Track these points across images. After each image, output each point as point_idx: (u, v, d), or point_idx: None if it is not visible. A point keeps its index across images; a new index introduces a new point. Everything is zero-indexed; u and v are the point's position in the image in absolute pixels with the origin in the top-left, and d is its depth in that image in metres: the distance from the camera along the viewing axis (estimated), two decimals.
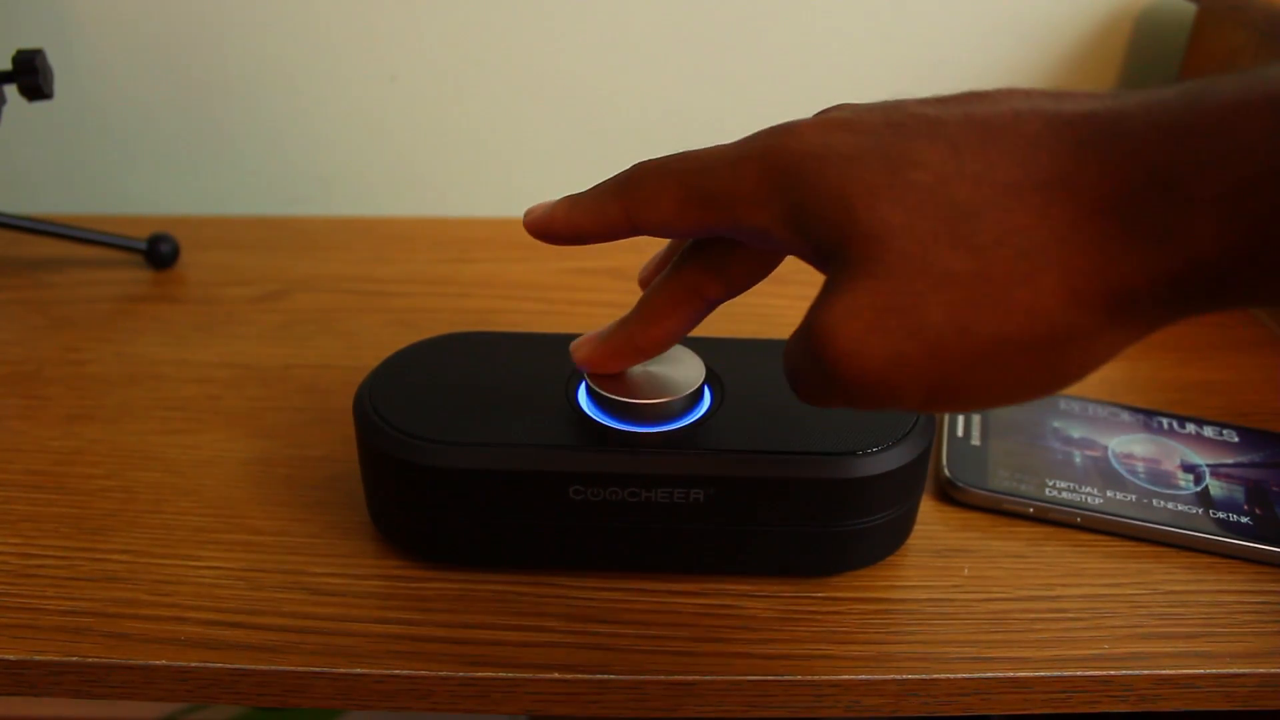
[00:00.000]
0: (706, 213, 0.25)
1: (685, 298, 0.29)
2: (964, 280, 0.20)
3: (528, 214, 0.29)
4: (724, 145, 0.25)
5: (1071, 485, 0.38)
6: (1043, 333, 0.20)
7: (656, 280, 0.29)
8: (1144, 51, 0.64)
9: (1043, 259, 0.20)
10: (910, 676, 0.31)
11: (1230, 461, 0.40)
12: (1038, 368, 0.21)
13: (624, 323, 0.30)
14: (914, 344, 0.21)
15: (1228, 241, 0.18)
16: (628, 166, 0.27)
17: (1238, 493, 0.38)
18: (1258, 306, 0.20)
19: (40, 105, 0.48)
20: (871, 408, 0.23)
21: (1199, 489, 0.39)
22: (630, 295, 0.53)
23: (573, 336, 0.37)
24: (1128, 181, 0.19)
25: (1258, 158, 0.18)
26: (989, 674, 0.32)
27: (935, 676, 0.31)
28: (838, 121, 0.23)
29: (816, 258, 0.23)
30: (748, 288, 0.29)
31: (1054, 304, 0.20)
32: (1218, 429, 0.42)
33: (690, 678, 0.31)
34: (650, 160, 0.27)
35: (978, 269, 0.20)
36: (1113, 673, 0.32)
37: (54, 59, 0.48)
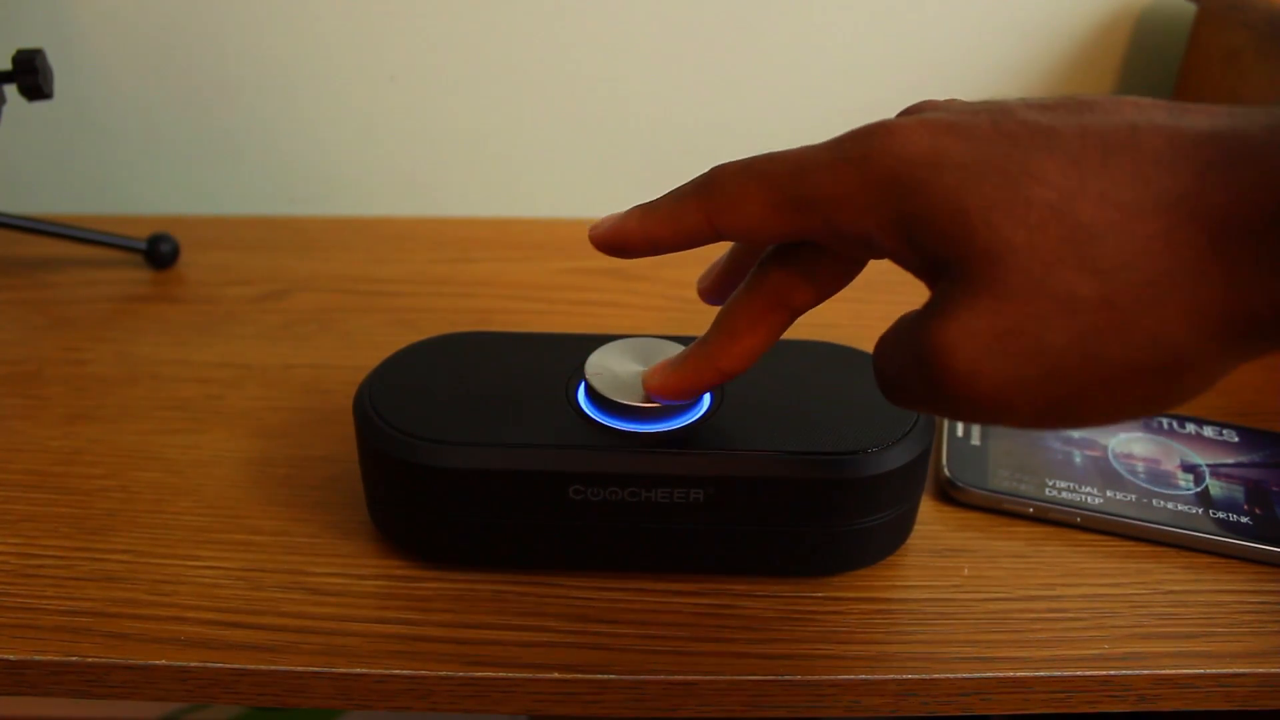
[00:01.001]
0: (801, 217, 0.24)
1: (771, 309, 0.27)
2: (1088, 305, 0.20)
3: (595, 228, 0.28)
4: (812, 147, 0.24)
5: (1071, 485, 0.38)
6: (1167, 360, 0.20)
7: (737, 293, 0.28)
8: (1144, 51, 0.64)
9: (1169, 285, 0.19)
10: (910, 676, 0.31)
11: (1230, 461, 0.40)
12: (1155, 391, 0.21)
13: (704, 343, 0.29)
14: (1034, 367, 0.21)
15: None
16: (703, 171, 0.26)
17: (1238, 493, 0.38)
18: None
19: (40, 105, 0.48)
20: (979, 423, 0.22)
21: (1199, 489, 0.39)
22: (630, 295, 0.53)
23: (573, 336, 0.37)
24: (1256, 209, 0.19)
25: None
26: (989, 674, 0.32)
27: (935, 676, 0.31)
28: (945, 125, 0.22)
29: (924, 268, 0.23)
30: (834, 293, 0.27)
31: (1179, 332, 0.20)
32: (1218, 429, 0.42)
33: (690, 678, 0.31)
34: (730, 163, 0.25)
35: (1103, 294, 0.20)
36: (1113, 673, 0.32)
37: (54, 59, 0.48)
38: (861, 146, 0.23)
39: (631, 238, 0.27)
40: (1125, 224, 0.20)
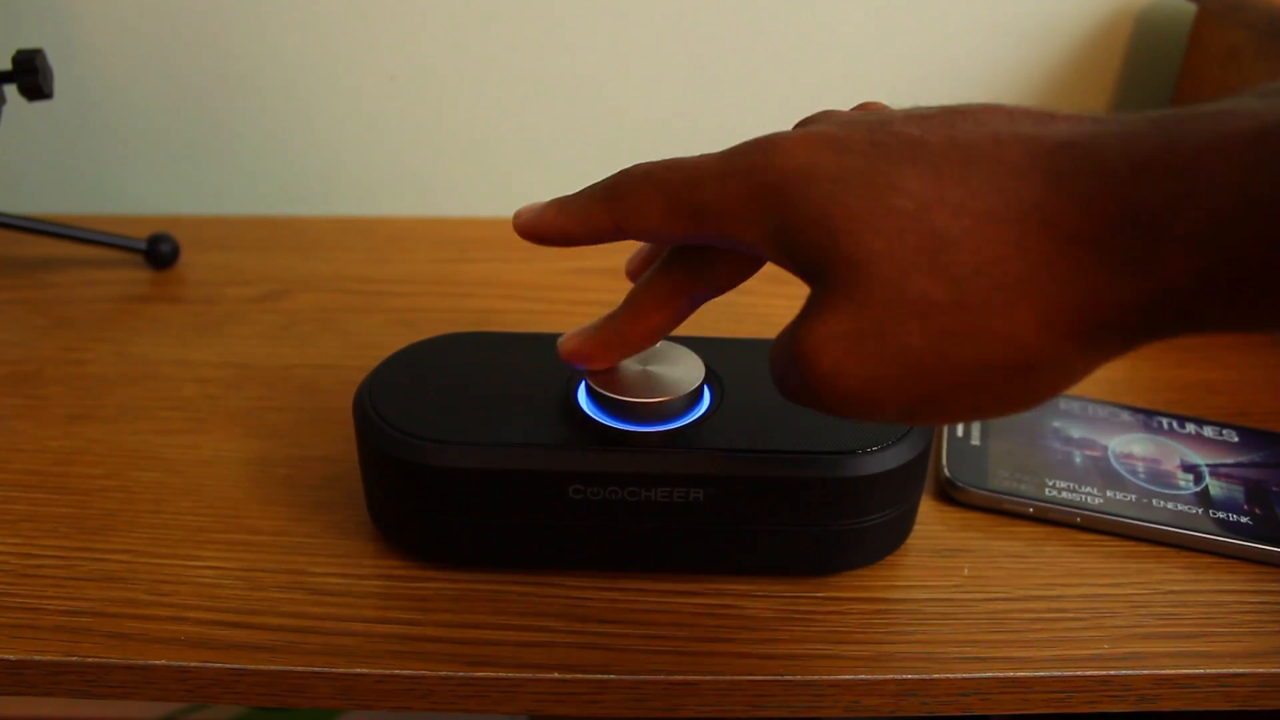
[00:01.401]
0: (694, 225, 0.25)
1: (672, 296, 0.29)
2: (942, 309, 0.21)
3: (517, 215, 0.30)
4: (712, 156, 0.25)
5: (1071, 485, 0.38)
6: (1018, 360, 0.21)
7: (644, 277, 0.30)
8: (1144, 51, 0.64)
9: (1019, 290, 0.20)
10: (910, 676, 0.31)
11: (1230, 461, 0.40)
12: (1013, 389, 0.22)
13: (612, 317, 0.31)
14: (892, 368, 0.22)
15: (1200, 276, 0.19)
16: (615, 171, 0.28)
17: (1237, 493, 0.38)
18: (1228, 334, 0.20)
19: (40, 105, 0.48)
20: (853, 418, 0.24)
21: (1199, 489, 0.39)
22: None
23: None
24: (1103, 216, 0.20)
25: (1229, 196, 0.18)
26: (989, 674, 0.32)
27: (935, 676, 0.32)
28: (824, 138, 0.23)
29: (802, 275, 0.24)
30: (734, 287, 0.29)
31: (1029, 333, 0.21)
32: (1218, 429, 0.42)
33: (690, 678, 0.31)
34: (637, 167, 0.27)
35: (956, 298, 0.21)
36: (1112, 673, 0.32)
37: (54, 59, 0.48)
38: (748, 159, 0.24)
39: (546, 230, 0.29)
40: (978, 231, 0.21)
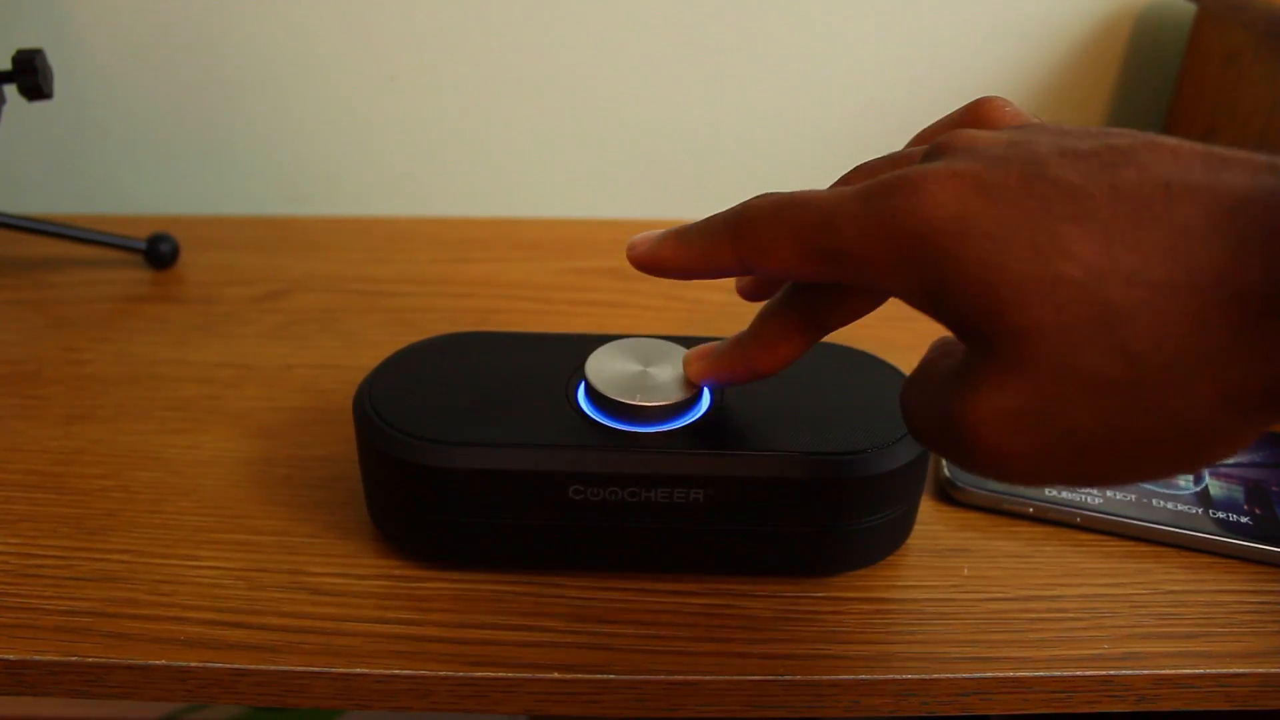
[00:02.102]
0: (828, 268, 0.24)
1: (804, 326, 0.28)
2: (1116, 387, 0.20)
3: (632, 246, 0.29)
4: (848, 194, 0.23)
5: None
6: (1192, 434, 0.20)
7: (772, 305, 0.29)
8: (1144, 51, 0.64)
9: (1198, 366, 0.19)
10: (910, 676, 0.31)
11: (1230, 461, 0.40)
12: (1182, 460, 0.21)
13: (740, 344, 0.30)
14: (1060, 445, 0.21)
15: None
16: (740, 202, 0.26)
17: (1237, 493, 0.38)
18: None
19: (40, 105, 0.48)
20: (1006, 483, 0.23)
21: (1199, 489, 0.39)
22: (630, 295, 0.53)
23: (573, 336, 0.37)
24: None
25: None
26: (989, 674, 0.32)
27: (935, 676, 0.32)
28: (974, 181, 0.21)
29: (954, 330, 0.23)
30: (862, 316, 0.28)
31: (1207, 409, 0.20)
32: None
33: (690, 678, 0.31)
34: (763, 200, 0.25)
35: (1131, 376, 0.20)
36: (1112, 673, 0.32)
37: (54, 59, 0.48)
38: (889, 203, 0.22)
39: (666, 264, 0.28)
40: (1155, 304, 0.19)
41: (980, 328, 0.21)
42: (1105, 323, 0.20)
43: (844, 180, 0.28)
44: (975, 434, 0.21)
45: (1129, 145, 0.21)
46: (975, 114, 0.27)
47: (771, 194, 0.25)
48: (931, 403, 0.23)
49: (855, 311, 0.28)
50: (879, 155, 0.28)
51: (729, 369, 0.31)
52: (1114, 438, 0.20)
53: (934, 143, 0.24)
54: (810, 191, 0.24)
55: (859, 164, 0.28)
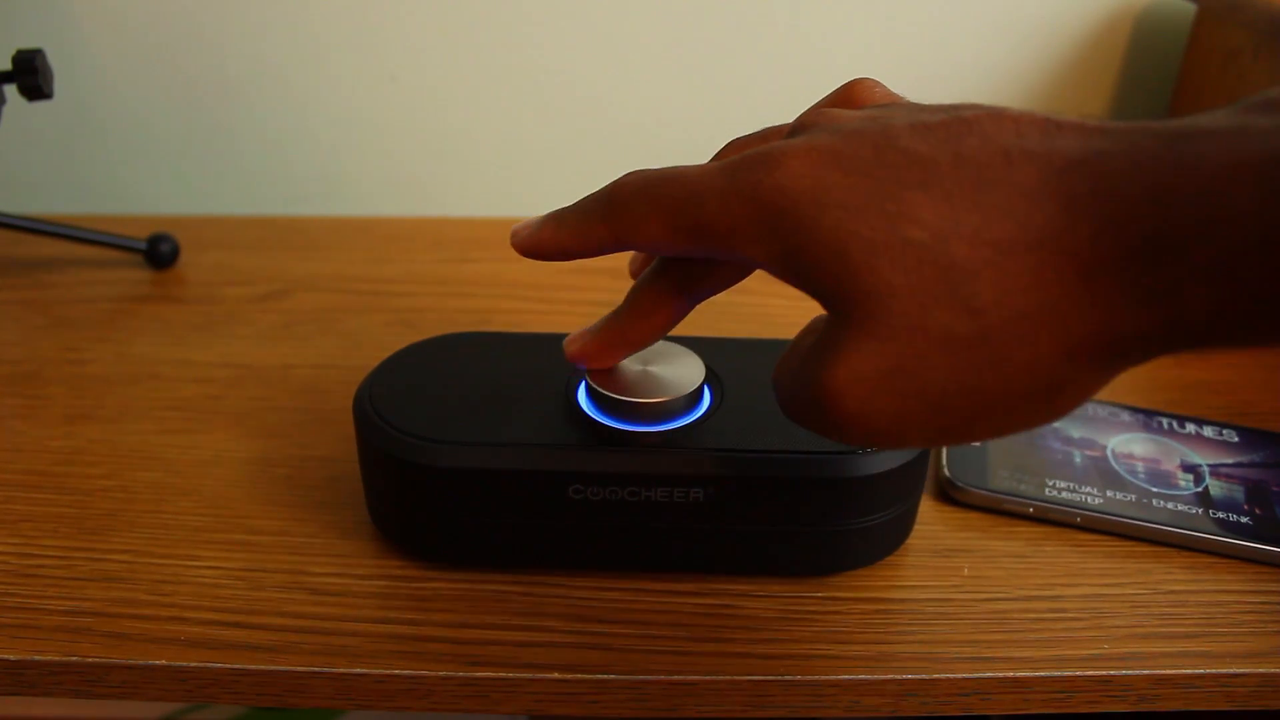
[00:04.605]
0: (696, 241, 0.25)
1: (672, 295, 0.29)
2: (965, 342, 0.21)
3: (514, 234, 0.30)
4: (712, 169, 0.24)
5: (1071, 485, 0.38)
6: (1041, 385, 0.21)
7: (644, 276, 0.30)
8: (1144, 51, 0.64)
9: (1040, 319, 0.20)
10: (910, 676, 0.31)
11: (1230, 461, 0.40)
12: (1036, 411, 0.22)
13: (614, 316, 0.31)
14: (918, 403, 0.22)
15: (1216, 304, 0.19)
16: (610, 181, 0.27)
17: (1237, 493, 0.38)
18: (1240, 350, 0.20)
19: (40, 105, 0.48)
20: (873, 448, 0.23)
21: (1199, 489, 0.39)
22: None
23: None
24: (1119, 245, 0.19)
25: (1246, 227, 0.18)
26: (989, 674, 0.32)
27: (935, 676, 0.32)
28: (829, 154, 0.23)
29: (814, 297, 0.23)
30: (733, 284, 0.29)
31: (1052, 360, 0.21)
32: (1218, 429, 0.42)
33: (690, 678, 0.31)
34: (633, 179, 0.26)
35: (978, 331, 0.21)
36: (1113, 673, 0.32)
37: (54, 59, 0.48)
38: (751, 176, 0.23)
39: (545, 247, 0.29)
40: (997, 261, 0.20)
41: (836, 293, 0.22)
42: (951, 281, 0.21)
43: (718, 155, 0.29)
44: (839, 400, 0.22)
45: (974, 116, 0.22)
46: (847, 95, 0.28)
47: (641, 171, 0.26)
48: (797, 379, 0.24)
49: (725, 280, 0.28)
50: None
51: (604, 343, 0.31)
52: (968, 392, 0.21)
53: (798, 120, 0.26)
54: (678, 168, 0.25)
55: (732, 139, 0.29)
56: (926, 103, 0.24)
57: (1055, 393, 0.21)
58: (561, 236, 0.28)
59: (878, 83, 0.28)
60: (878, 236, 0.21)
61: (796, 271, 0.23)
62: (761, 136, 0.29)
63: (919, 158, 0.22)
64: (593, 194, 0.28)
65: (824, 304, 0.23)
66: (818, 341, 0.23)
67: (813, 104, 0.29)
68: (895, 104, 0.25)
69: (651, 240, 0.26)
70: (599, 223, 0.27)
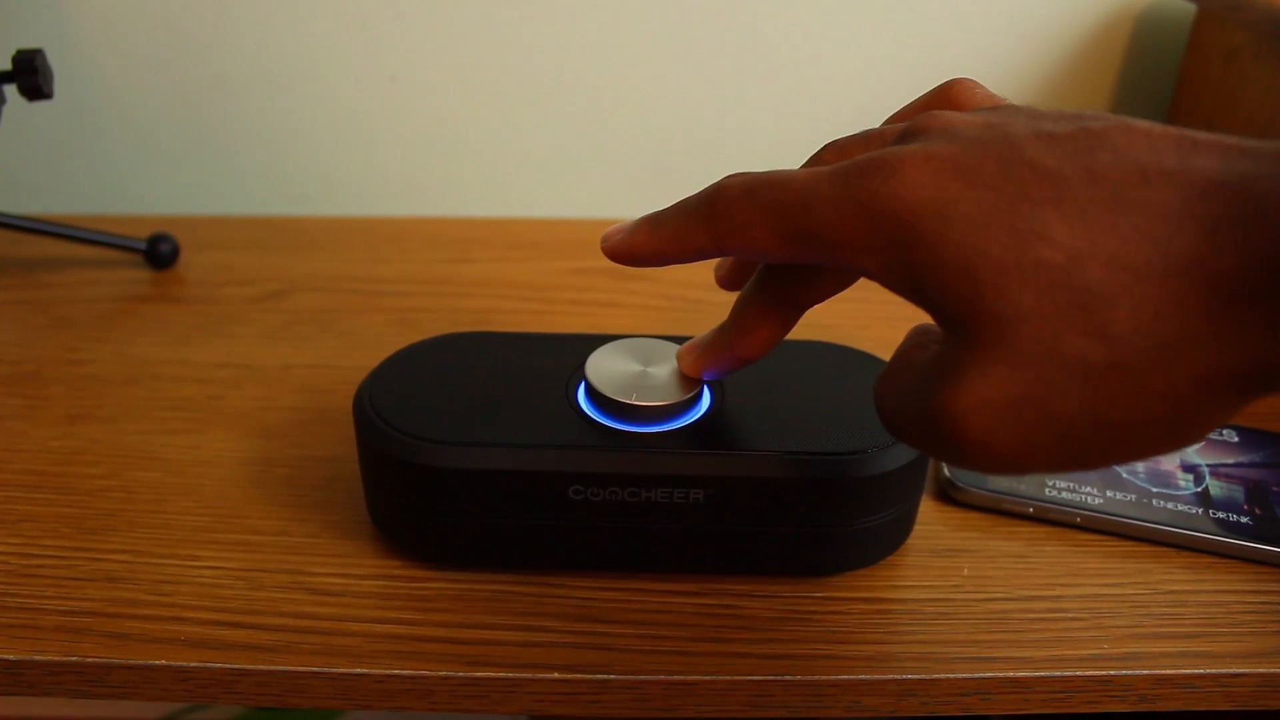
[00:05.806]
0: (804, 249, 0.23)
1: (780, 305, 0.28)
2: (1099, 370, 0.20)
3: (606, 238, 0.28)
4: (823, 174, 0.23)
5: (1071, 485, 0.38)
6: (1174, 414, 0.20)
7: (747, 290, 0.29)
8: (1144, 51, 0.64)
9: (1178, 348, 0.19)
10: (910, 676, 0.31)
11: (1230, 461, 0.40)
12: (1164, 441, 0.21)
13: (724, 332, 0.30)
14: (1045, 432, 0.21)
15: None
16: (711, 183, 0.26)
17: (1238, 493, 0.38)
18: None
19: (40, 105, 0.48)
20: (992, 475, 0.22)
21: (1199, 489, 0.39)
22: (630, 295, 0.53)
23: (573, 336, 0.37)
24: (1263, 270, 0.19)
25: None
26: (989, 674, 0.32)
27: (935, 676, 0.32)
28: (950, 164, 0.21)
29: (932, 315, 0.22)
30: (838, 293, 0.28)
31: (1188, 389, 0.20)
32: (1217, 429, 0.42)
33: (690, 678, 0.31)
34: (736, 181, 0.25)
35: (1113, 359, 0.20)
36: (1112, 673, 0.32)
37: (54, 59, 0.48)
38: (868, 184, 0.22)
39: (639, 251, 0.27)
40: (1135, 287, 0.19)
41: (960, 313, 0.21)
42: (1086, 306, 0.20)
43: (816, 159, 0.27)
44: (962, 427, 0.21)
45: (1103, 129, 0.21)
46: (946, 95, 0.27)
47: (744, 174, 0.25)
48: (911, 398, 0.23)
49: (828, 290, 0.28)
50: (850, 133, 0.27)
51: (713, 358, 0.31)
52: (1098, 422, 0.20)
53: (909, 124, 0.24)
54: (784, 171, 0.24)
55: (830, 141, 0.27)
56: (1042, 108, 0.23)
57: (1187, 422, 0.20)
58: (658, 241, 0.27)
59: (978, 83, 0.27)
60: (1008, 256, 0.20)
61: (915, 287, 0.22)
62: (864, 140, 0.27)
63: (1048, 172, 0.21)
64: (691, 196, 0.26)
65: (943, 323, 0.22)
66: (937, 361, 0.22)
67: (904, 105, 0.28)
68: (1007, 108, 0.24)
69: (756, 246, 0.24)
70: (699, 227, 0.26)
